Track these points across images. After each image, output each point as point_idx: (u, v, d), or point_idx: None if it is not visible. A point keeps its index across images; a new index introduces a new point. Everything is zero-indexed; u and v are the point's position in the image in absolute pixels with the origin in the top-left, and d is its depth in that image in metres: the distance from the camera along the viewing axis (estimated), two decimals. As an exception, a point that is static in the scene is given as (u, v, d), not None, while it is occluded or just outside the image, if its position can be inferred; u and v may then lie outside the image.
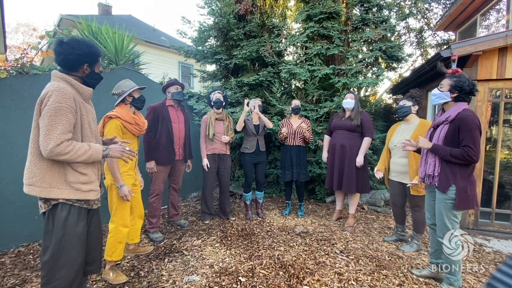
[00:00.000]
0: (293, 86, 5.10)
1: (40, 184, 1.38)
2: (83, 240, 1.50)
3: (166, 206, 3.36)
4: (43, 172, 1.39)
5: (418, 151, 2.24)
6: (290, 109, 3.66)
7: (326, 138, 3.51)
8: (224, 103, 3.38)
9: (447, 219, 1.99)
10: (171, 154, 2.96)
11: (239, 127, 3.38)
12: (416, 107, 2.70)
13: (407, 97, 2.75)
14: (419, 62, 10.11)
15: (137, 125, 2.30)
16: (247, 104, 3.32)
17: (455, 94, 1.98)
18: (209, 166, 3.28)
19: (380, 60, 4.55)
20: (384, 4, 4.68)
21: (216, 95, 3.31)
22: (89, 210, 1.57)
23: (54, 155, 1.33)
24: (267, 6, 5.21)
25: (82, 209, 1.50)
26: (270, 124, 3.48)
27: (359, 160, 3.14)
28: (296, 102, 3.60)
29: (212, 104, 3.33)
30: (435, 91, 2.09)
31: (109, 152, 1.56)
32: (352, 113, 3.22)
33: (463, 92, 1.96)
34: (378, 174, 2.94)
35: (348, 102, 3.23)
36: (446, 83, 2.03)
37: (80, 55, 1.45)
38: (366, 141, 3.17)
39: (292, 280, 2.13)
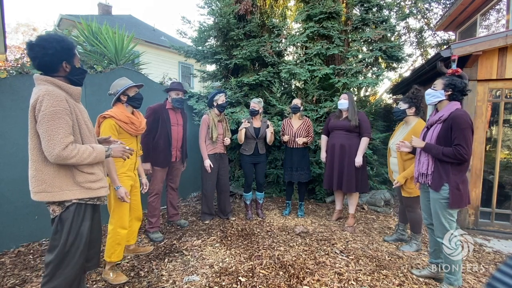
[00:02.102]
0: (293, 86, 5.10)
1: (51, 189, 1.38)
2: (86, 241, 1.51)
3: (166, 206, 3.35)
4: (51, 177, 1.38)
5: (413, 151, 2.25)
6: (291, 107, 3.64)
7: (324, 138, 3.50)
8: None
9: (443, 219, 2.00)
10: (167, 157, 2.95)
11: (240, 140, 3.40)
12: (413, 109, 2.65)
13: (405, 97, 2.72)
14: (419, 62, 10.12)
15: (132, 124, 2.24)
16: (247, 121, 3.34)
17: (449, 92, 2.01)
18: (212, 166, 3.27)
19: (380, 60, 4.55)
20: (384, 4, 4.68)
21: (223, 99, 3.30)
22: (94, 207, 1.58)
23: (61, 159, 1.33)
24: (267, 6, 5.21)
25: (88, 208, 1.51)
26: (270, 141, 3.49)
27: (358, 160, 3.14)
28: (295, 101, 3.56)
29: (215, 106, 3.30)
30: (429, 91, 2.12)
31: (111, 152, 1.57)
32: (349, 114, 3.21)
33: (457, 89, 1.99)
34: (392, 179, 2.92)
35: (341, 103, 3.24)
36: (439, 82, 2.07)
37: (54, 54, 1.37)
38: (364, 141, 3.17)
39: (292, 280, 2.13)
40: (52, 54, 1.36)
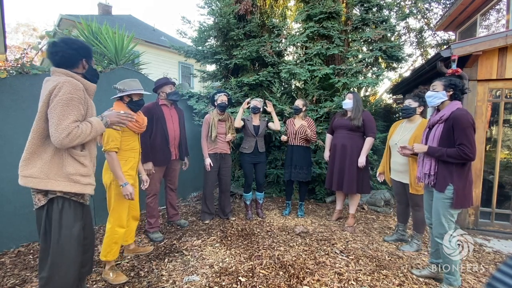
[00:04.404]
0: (293, 86, 5.10)
1: (37, 175, 1.37)
2: (80, 242, 1.50)
3: (165, 207, 3.35)
4: (42, 162, 1.38)
5: (416, 153, 2.25)
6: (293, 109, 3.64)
7: (328, 136, 3.49)
8: (228, 105, 3.39)
9: (444, 219, 2.00)
10: (166, 155, 2.92)
11: (237, 123, 3.38)
12: (422, 108, 2.67)
13: (413, 95, 2.70)
14: (419, 62, 10.12)
15: (136, 122, 2.27)
16: (247, 102, 3.36)
17: (451, 92, 2.02)
18: (212, 165, 3.28)
19: (380, 60, 4.55)
20: (384, 4, 4.68)
21: (222, 98, 3.29)
22: (83, 208, 1.57)
23: (67, 143, 1.35)
24: (267, 6, 5.21)
25: (77, 206, 1.49)
26: (278, 126, 3.48)
27: (361, 161, 3.11)
28: (297, 102, 3.55)
29: (216, 105, 3.33)
30: (429, 93, 2.12)
31: (107, 120, 1.59)
32: (352, 113, 3.19)
33: (458, 89, 2.00)
34: (381, 178, 2.96)
35: (346, 102, 3.22)
36: (438, 84, 2.07)
37: (77, 49, 1.49)
38: (369, 142, 3.14)
39: (292, 280, 2.13)
40: (75, 49, 1.48)
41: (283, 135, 3.56)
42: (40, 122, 1.39)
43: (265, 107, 3.53)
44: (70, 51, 1.46)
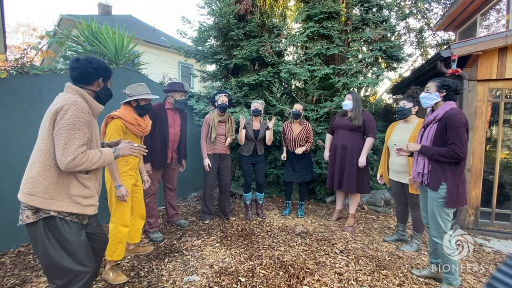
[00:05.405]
0: (293, 86, 5.10)
1: (42, 195, 1.36)
2: (89, 247, 1.51)
3: (165, 207, 3.35)
4: (48, 183, 1.38)
5: (411, 153, 2.27)
6: (291, 113, 3.61)
7: (328, 136, 3.48)
8: (229, 106, 3.39)
9: (439, 218, 2.02)
10: (162, 160, 2.93)
11: (241, 142, 3.39)
12: (416, 108, 2.70)
13: (407, 96, 2.74)
14: (419, 62, 10.12)
15: (139, 126, 2.29)
16: (243, 124, 3.33)
17: (444, 93, 2.04)
18: (210, 165, 3.28)
19: (380, 60, 4.55)
20: (384, 4, 4.68)
21: (223, 99, 3.28)
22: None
23: (71, 167, 1.35)
24: (267, 6, 5.21)
25: (72, 223, 1.47)
26: (270, 142, 3.43)
27: (362, 161, 3.11)
28: (297, 107, 3.50)
29: (216, 106, 3.32)
30: (423, 94, 2.14)
31: (119, 152, 1.60)
32: (352, 113, 3.19)
33: (451, 89, 2.02)
34: (381, 180, 2.97)
35: (345, 103, 3.21)
36: (432, 85, 2.10)
37: (97, 68, 1.54)
38: (369, 142, 3.14)
39: (292, 280, 2.13)
40: (95, 68, 1.54)
41: (282, 156, 3.64)
42: (47, 141, 1.38)
43: (268, 119, 3.51)
44: (89, 70, 1.51)
